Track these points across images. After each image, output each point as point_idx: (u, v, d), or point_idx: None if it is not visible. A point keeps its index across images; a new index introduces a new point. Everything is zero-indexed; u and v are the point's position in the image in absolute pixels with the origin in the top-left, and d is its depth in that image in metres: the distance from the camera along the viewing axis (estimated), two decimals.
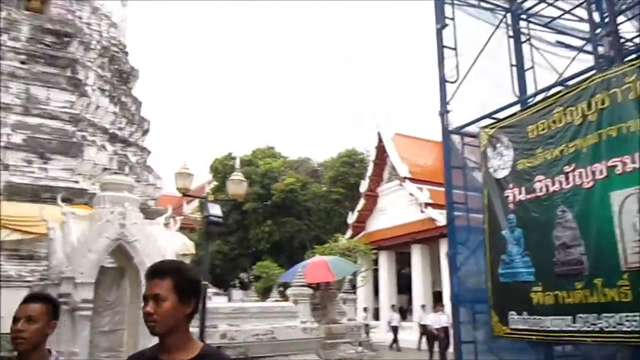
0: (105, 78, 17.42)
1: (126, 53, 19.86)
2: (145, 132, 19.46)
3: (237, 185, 12.24)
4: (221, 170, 34.52)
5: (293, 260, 23.31)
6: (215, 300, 16.55)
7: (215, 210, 10.97)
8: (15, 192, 13.22)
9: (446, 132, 6.91)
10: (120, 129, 17.58)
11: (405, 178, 24.92)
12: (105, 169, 15.44)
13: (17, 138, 13.97)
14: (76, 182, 14.28)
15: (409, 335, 21.74)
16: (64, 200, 12.81)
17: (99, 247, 6.24)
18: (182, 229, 25.96)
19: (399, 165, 25.55)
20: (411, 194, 24.50)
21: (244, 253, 33.89)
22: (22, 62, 15.19)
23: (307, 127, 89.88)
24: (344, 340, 13.81)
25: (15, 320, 2.47)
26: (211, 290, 18.88)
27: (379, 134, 27.26)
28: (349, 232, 27.87)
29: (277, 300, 14.48)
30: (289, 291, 13.20)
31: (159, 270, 1.92)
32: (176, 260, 2.17)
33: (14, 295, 10.05)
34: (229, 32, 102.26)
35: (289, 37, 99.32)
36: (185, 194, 11.85)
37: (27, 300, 2.55)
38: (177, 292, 1.86)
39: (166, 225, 10.05)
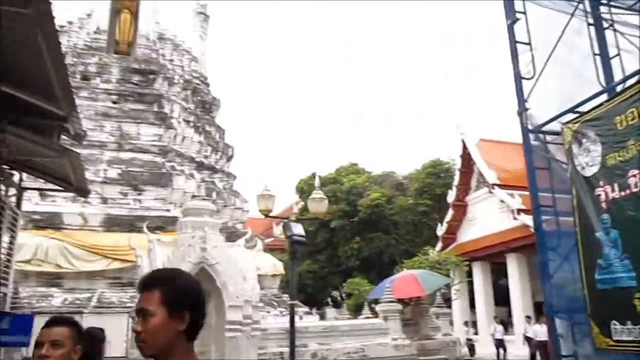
0: (189, 110, 18.27)
1: (207, 84, 20.75)
2: (230, 158, 20.13)
3: (319, 204, 12.29)
4: (306, 190, 34.93)
5: (383, 276, 22.98)
6: (306, 320, 16.65)
7: (298, 229, 11.03)
8: (114, 224, 14.09)
9: (526, 132, 6.51)
10: (206, 157, 18.31)
11: (494, 185, 23.95)
12: (193, 196, 16.09)
13: (113, 173, 14.92)
14: (167, 210, 14.97)
15: (516, 349, 20.60)
16: (156, 228, 13.53)
17: None
18: (272, 250, 26.54)
19: (487, 171, 24.62)
20: (502, 201, 23.48)
21: (334, 271, 33.92)
22: (114, 102, 16.30)
23: (389, 140, 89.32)
24: (439, 356, 13.32)
25: (39, 345, 2.30)
26: (302, 309, 19.03)
27: (463, 142, 26.48)
28: (439, 245, 27.13)
29: (367, 317, 14.28)
30: (377, 308, 12.97)
31: (147, 282, 1.67)
32: (171, 268, 1.88)
33: (116, 321, 10.64)
34: (300, 50, 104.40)
35: (357, 47, 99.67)
36: (268, 215, 12.04)
37: (51, 323, 2.38)
38: (166, 305, 1.60)
39: (252, 247, 10.25)
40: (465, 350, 20.65)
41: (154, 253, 6.73)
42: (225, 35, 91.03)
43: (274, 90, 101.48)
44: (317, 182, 13.30)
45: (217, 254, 6.70)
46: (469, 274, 24.60)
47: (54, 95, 6.92)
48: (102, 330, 4.59)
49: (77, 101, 16.16)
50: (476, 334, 24.76)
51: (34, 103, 7.13)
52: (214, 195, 17.12)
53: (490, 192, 24.39)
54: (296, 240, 10.85)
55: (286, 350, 9.93)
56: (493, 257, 24.91)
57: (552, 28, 6.20)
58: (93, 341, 3.84)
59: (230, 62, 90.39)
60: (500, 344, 20.70)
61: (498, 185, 23.81)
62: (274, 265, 17.89)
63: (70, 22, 17.81)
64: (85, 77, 16.43)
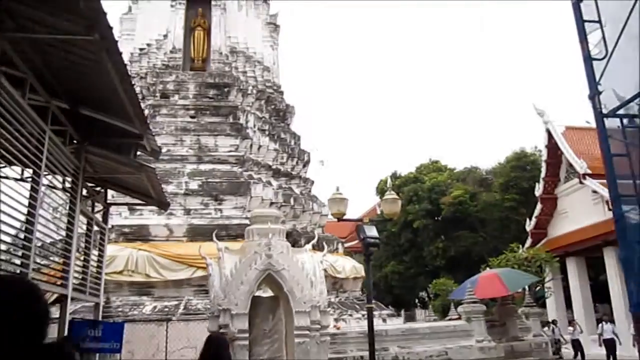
0: (264, 119, 18.69)
1: (281, 92, 21.12)
2: (306, 163, 20.36)
3: (392, 205, 12.11)
4: (387, 190, 34.66)
5: (470, 276, 22.27)
6: (391, 322, 16.45)
7: (372, 232, 10.92)
8: (197, 233, 14.65)
9: (600, 117, 6.03)
10: (282, 164, 18.64)
11: (585, 175, 22.48)
12: (272, 203, 16.43)
13: (194, 184, 15.54)
14: (246, 218, 15.35)
15: (621, 350, 19.08)
16: (237, 236, 13.94)
17: (250, 278, 6.56)
18: (357, 252, 26.50)
19: (576, 161, 23.16)
20: (594, 192, 21.99)
21: (420, 271, 33.35)
22: (192, 117, 17.00)
23: (469, 135, 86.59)
24: (529, 359, 12.67)
25: None
26: (386, 311, 18.84)
27: (547, 131, 25.10)
28: (529, 241, 25.86)
29: (450, 319, 13.88)
30: (459, 309, 12.56)
31: None
32: None
33: (201, 327, 11.04)
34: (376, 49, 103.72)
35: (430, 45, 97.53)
36: (341, 218, 12.02)
37: None
38: None
39: (332, 250, 10.26)
40: (568, 351, 19.49)
41: (223, 261, 6.92)
42: (297, 39, 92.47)
43: (350, 93, 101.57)
44: (389, 183, 13.13)
45: (283, 260, 6.78)
46: (562, 271, 23.24)
47: (128, 116, 7.32)
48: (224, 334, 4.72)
49: (158, 118, 17.07)
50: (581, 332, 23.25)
51: (112, 124, 7.60)
52: (292, 201, 17.37)
53: (581, 182, 22.92)
54: (370, 243, 10.75)
55: (366, 354, 9.85)
56: (589, 251, 23.38)
57: (621, 2, 5.71)
58: (219, 344, 3.98)
59: (304, 66, 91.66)
60: (611, 344, 18.80)
61: (589, 175, 22.33)
62: (355, 268, 17.86)
63: (149, 44, 18.82)
64: (165, 95, 17.26)
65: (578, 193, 23.78)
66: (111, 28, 5.77)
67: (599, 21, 6.19)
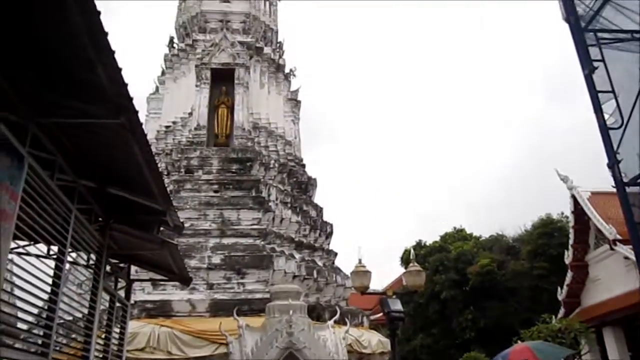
0: (286, 191, 18.89)
1: (303, 165, 21.46)
2: (329, 235, 20.32)
3: (416, 277, 11.91)
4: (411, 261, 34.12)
5: (503, 348, 21.38)
6: None
7: (396, 305, 10.70)
8: (219, 308, 14.50)
9: (621, 185, 5.98)
10: (304, 236, 18.64)
11: (615, 241, 21.90)
12: (295, 276, 16.29)
13: (217, 258, 15.56)
14: (269, 292, 15.22)
15: None
16: (259, 310, 13.76)
17: (271, 356, 6.43)
18: (384, 326, 25.76)
19: (605, 227, 22.65)
20: (626, 258, 21.32)
21: (449, 344, 32.11)
22: (215, 191, 17.29)
23: (493, 202, 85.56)
24: None
25: None
26: None
27: (573, 197, 24.79)
28: (562, 310, 24.93)
29: None
30: None
31: None
32: None
33: None
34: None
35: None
36: (364, 292, 11.82)
37: None
38: None
39: (358, 324, 10.04)
40: None
41: (244, 339, 6.82)
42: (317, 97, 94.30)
43: (452, 167, 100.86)
44: (412, 254, 12.96)
45: (304, 338, 6.66)
46: (599, 342, 22.18)
47: (152, 194, 7.51)
48: None
49: (182, 193, 17.33)
50: None
51: (136, 201, 7.77)
52: (315, 273, 17.21)
53: (612, 249, 22.30)
54: (394, 317, 10.50)
55: None
56: (627, 320, 22.36)
57: (632, 71, 5.80)
58: None
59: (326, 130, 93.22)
60: None
61: (619, 240, 21.75)
62: (381, 342, 17.32)
63: (174, 122, 19.52)
64: (189, 170, 17.66)
65: (610, 259, 23.10)
66: (137, 112, 6.04)
67: (613, 91, 6.26)
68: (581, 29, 6.47)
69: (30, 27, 4.29)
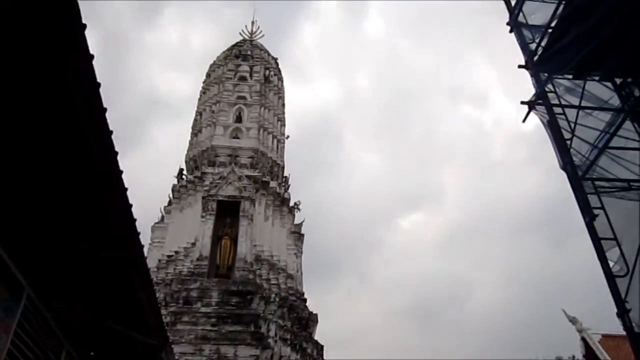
0: (285, 327, 18.31)
1: (304, 300, 20.99)
2: None
3: None
4: None
5: None
6: None
7: None
8: None
9: (632, 335, 5.78)
10: None
11: None
12: None
13: None
14: None
15: None
16: None
17: None
18: None
19: None
20: None
21: None
22: (213, 325, 16.77)
23: (497, 348, 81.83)
24: None
25: None
26: None
27: (583, 339, 23.79)
28: None
29: None
30: None
31: None
32: None
33: None
34: None
35: None
36: None
37: None
38: None
39: None
40: None
41: None
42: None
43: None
44: None
45: None
46: None
47: (148, 327, 7.32)
48: None
49: (179, 326, 16.82)
50: None
51: (133, 335, 7.53)
52: None
53: None
54: None
55: None
56: None
57: (633, 218, 5.89)
58: None
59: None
60: None
61: None
62: None
63: (177, 252, 19.50)
64: (188, 302, 17.30)
65: None
66: (142, 247, 6.08)
67: (615, 238, 6.30)
68: (579, 178, 6.68)
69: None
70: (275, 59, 28.25)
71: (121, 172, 4.67)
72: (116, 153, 4.48)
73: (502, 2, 8.84)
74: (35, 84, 3.86)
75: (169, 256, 19.72)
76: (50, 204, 4.84)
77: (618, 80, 7.91)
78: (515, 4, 8.49)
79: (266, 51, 27.87)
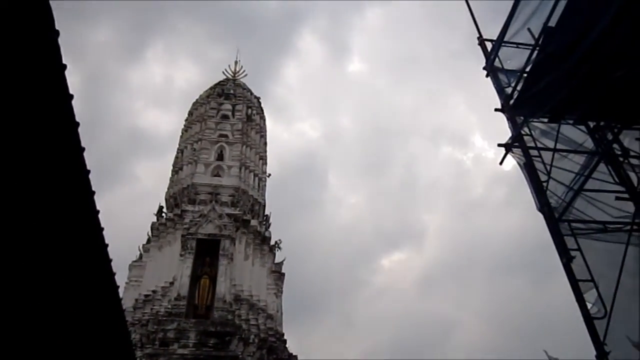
0: None
1: (283, 341, 20.59)
2: None
3: None
4: None
5: None
6: None
7: None
8: None
9: None
10: None
11: None
12: None
13: None
14: None
15: None
16: None
17: None
18: None
19: None
20: None
21: None
22: None
23: None
24: None
25: None
26: None
27: None
28: None
29: None
30: None
31: None
32: None
33: None
34: None
35: None
36: None
37: None
38: None
39: None
40: None
41: None
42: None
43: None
44: None
45: None
46: None
47: None
48: None
49: None
50: None
51: None
52: None
53: None
54: None
55: None
56: None
57: (610, 260, 5.95)
58: None
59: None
60: None
61: None
62: None
63: (154, 291, 19.10)
64: (164, 343, 16.86)
65: None
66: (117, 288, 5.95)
67: (592, 280, 6.35)
68: (555, 220, 6.77)
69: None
70: (258, 98, 28.55)
71: (97, 211, 4.61)
72: (93, 192, 4.44)
73: (479, 48, 9.10)
74: (13, 122, 3.83)
75: (146, 295, 19.29)
76: (23, 244, 4.74)
77: (591, 124, 8.12)
78: (492, 50, 8.76)
79: (249, 90, 28.19)
